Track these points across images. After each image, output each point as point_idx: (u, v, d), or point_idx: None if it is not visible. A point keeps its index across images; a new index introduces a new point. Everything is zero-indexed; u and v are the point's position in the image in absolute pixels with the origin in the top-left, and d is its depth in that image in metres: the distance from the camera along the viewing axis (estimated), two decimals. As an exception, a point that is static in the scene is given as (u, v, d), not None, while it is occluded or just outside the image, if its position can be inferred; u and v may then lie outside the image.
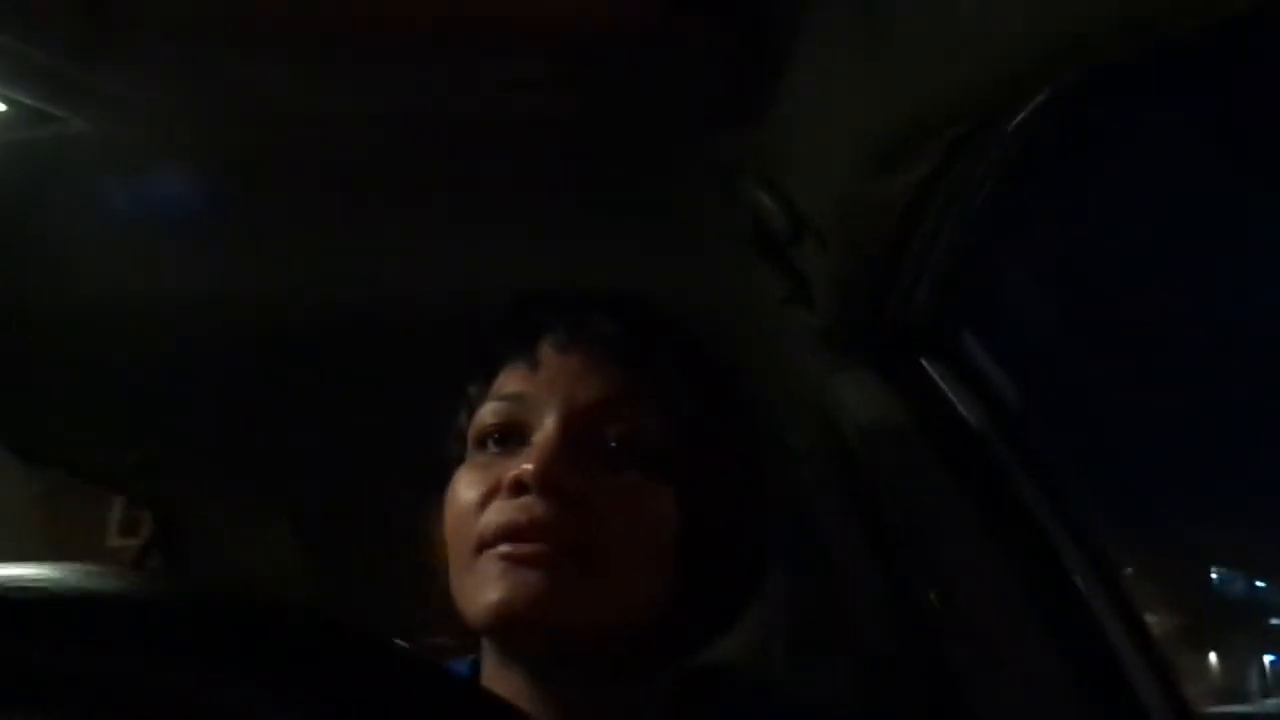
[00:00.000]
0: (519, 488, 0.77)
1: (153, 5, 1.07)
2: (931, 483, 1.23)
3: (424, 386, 0.93)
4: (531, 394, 0.82)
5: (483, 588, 0.76)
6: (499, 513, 0.78)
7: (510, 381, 0.84)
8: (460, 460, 0.85)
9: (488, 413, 0.84)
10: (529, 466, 0.77)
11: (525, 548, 0.76)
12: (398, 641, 0.46)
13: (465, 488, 0.82)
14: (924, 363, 1.28)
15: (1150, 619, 1.16)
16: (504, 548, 0.76)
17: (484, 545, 0.77)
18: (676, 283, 1.23)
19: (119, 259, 1.40)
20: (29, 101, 1.16)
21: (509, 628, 0.76)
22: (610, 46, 1.11)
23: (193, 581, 0.45)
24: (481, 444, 0.84)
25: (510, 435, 0.82)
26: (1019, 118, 1.08)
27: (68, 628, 0.42)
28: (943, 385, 1.26)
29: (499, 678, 0.81)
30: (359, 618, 0.46)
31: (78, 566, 0.44)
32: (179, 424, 1.73)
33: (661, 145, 1.24)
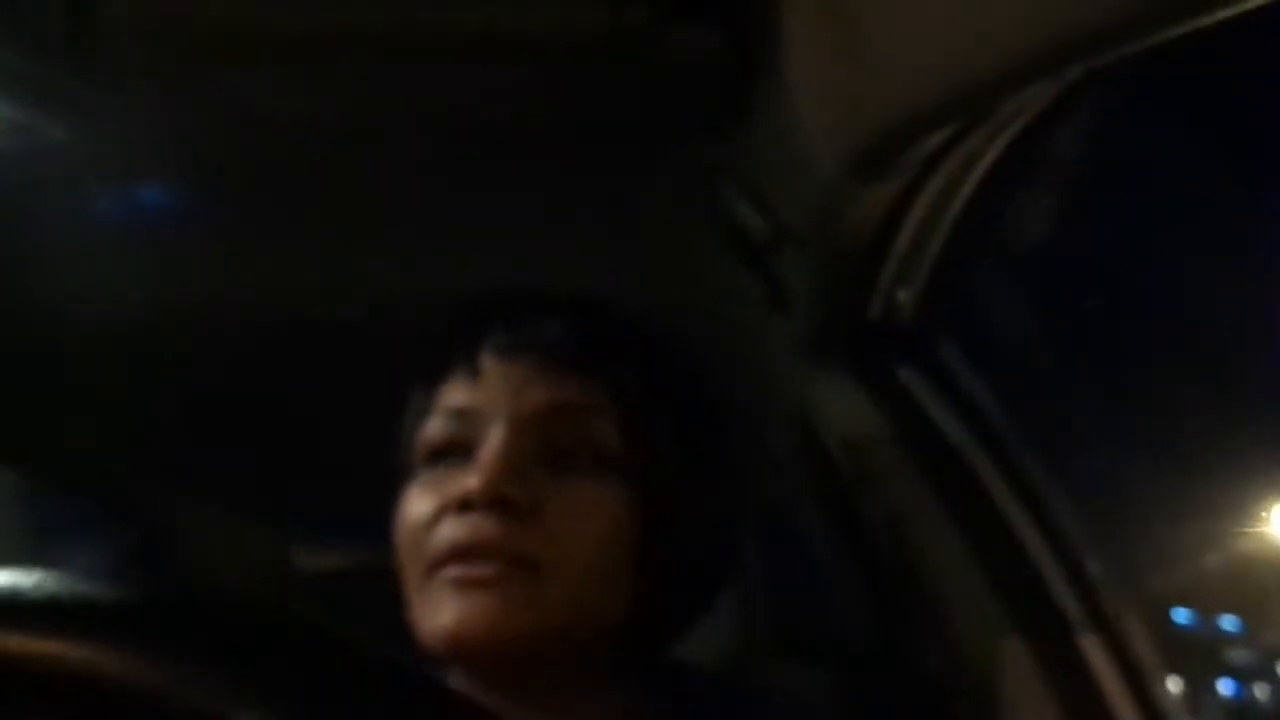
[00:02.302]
0: (465, 504, 0.76)
1: (139, 15, 1.07)
2: (910, 489, 1.23)
3: (408, 392, 0.93)
4: (474, 407, 0.80)
5: (435, 612, 0.75)
6: (448, 531, 0.76)
7: (452, 394, 0.82)
8: (408, 473, 0.84)
9: (431, 429, 0.82)
10: (473, 482, 0.76)
11: (475, 569, 0.75)
12: (377, 646, 0.47)
13: (414, 505, 0.80)
14: (903, 370, 1.28)
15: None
16: (453, 570, 0.75)
17: (434, 566, 0.76)
18: (655, 289, 1.24)
19: (103, 269, 1.40)
20: (14, 113, 1.16)
21: (464, 652, 0.76)
22: (589, 53, 1.11)
23: (172, 587, 0.46)
24: (429, 460, 0.82)
25: (456, 450, 0.80)
26: (998, 125, 1.09)
27: (46, 633, 0.42)
28: (921, 393, 1.26)
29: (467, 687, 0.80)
30: (340, 623, 0.46)
31: (57, 572, 0.44)
32: (160, 429, 1.72)
33: (640, 151, 1.24)
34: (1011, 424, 1.26)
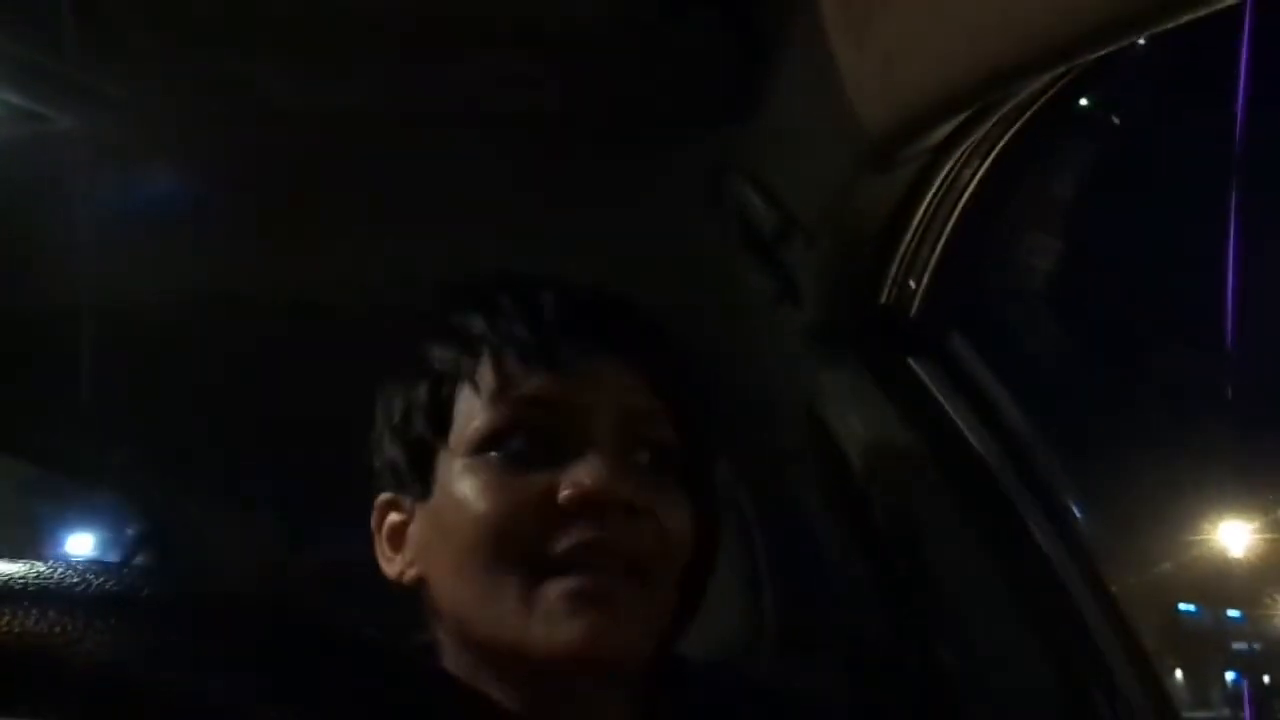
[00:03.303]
0: (584, 504, 0.72)
1: (144, 3, 1.07)
2: (920, 483, 1.23)
3: (432, 362, 0.92)
4: (563, 400, 0.75)
5: (549, 623, 0.71)
6: (566, 532, 0.72)
7: (524, 379, 0.76)
8: (428, 447, 0.78)
9: (503, 416, 0.75)
10: (591, 482, 0.72)
11: (594, 581, 0.72)
12: (378, 637, 0.46)
13: (484, 497, 0.74)
14: (913, 363, 1.28)
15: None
16: (572, 581, 0.71)
17: (543, 570, 0.72)
18: (665, 282, 1.23)
19: (107, 257, 1.40)
20: (19, 101, 1.15)
21: (581, 668, 0.73)
22: (598, 45, 1.11)
23: (175, 579, 0.45)
24: (479, 447, 0.76)
25: (537, 441, 0.75)
26: (1007, 116, 1.09)
27: (52, 623, 0.42)
28: (931, 386, 1.26)
29: (472, 677, 0.77)
30: (343, 615, 0.46)
31: (59, 562, 0.44)
32: (163, 420, 1.72)
33: (649, 144, 1.24)
34: (1022, 413, 1.25)
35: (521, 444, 0.75)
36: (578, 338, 0.78)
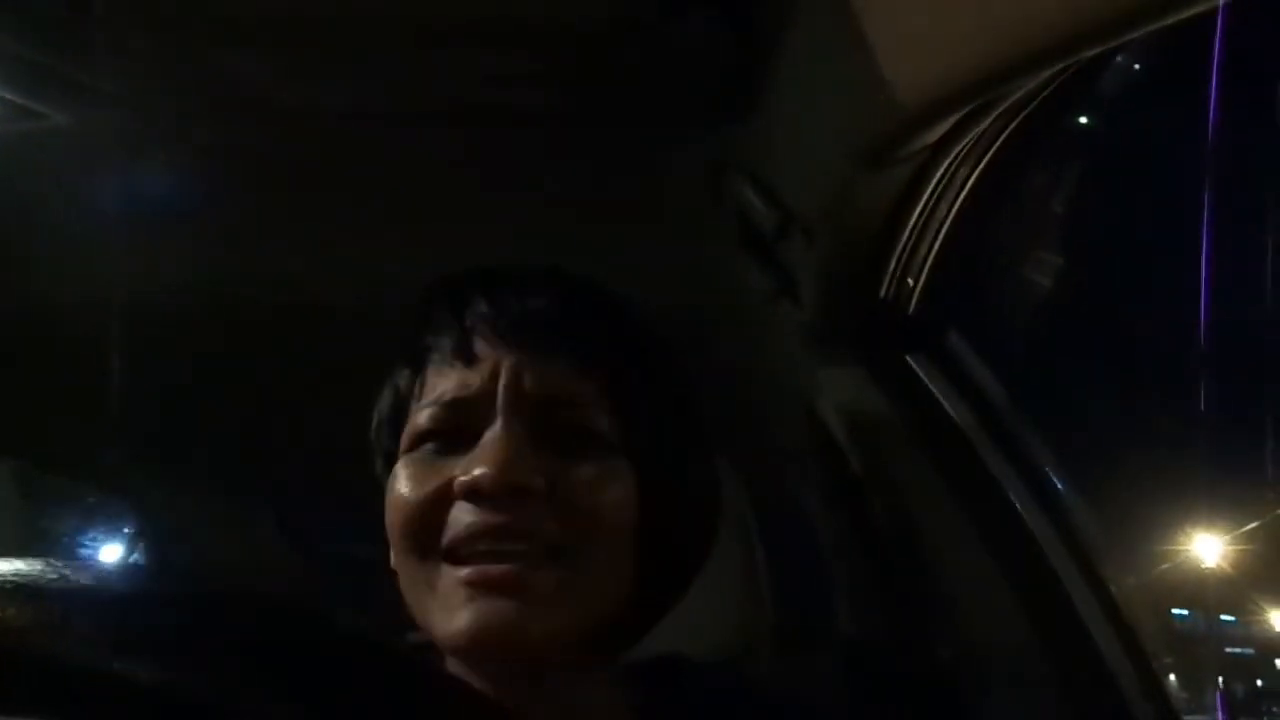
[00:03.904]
0: (474, 493, 0.74)
1: (140, 2, 1.06)
2: (917, 478, 1.23)
3: (390, 374, 0.92)
4: (469, 393, 0.77)
5: (450, 612, 0.73)
6: (461, 518, 0.74)
7: (444, 381, 0.79)
8: (389, 455, 0.81)
9: (422, 415, 0.79)
10: (484, 470, 0.73)
11: (493, 570, 0.72)
12: (376, 635, 0.46)
13: (407, 488, 0.77)
14: (910, 359, 1.28)
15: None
16: (468, 571, 0.73)
17: (444, 558, 0.74)
18: (663, 278, 1.23)
19: (104, 255, 1.39)
20: (13, 97, 1.15)
21: (482, 652, 0.74)
22: (597, 43, 1.11)
23: (173, 577, 0.45)
24: (414, 445, 0.79)
25: (448, 436, 0.78)
26: (1004, 115, 1.09)
27: (49, 623, 0.42)
28: (929, 382, 1.26)
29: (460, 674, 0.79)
30: (343, 614, 0.46)
31: (55, 561, 0.44)
32: (159, 417, 1.72)
33: (648, 141, 1.24)
34: (1019, 412, 1.25)
35: (438, 441, 0.78)
36: (492, 329, 0.80)
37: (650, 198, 1.30)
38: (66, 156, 1.25)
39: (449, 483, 0.75)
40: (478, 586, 0.73)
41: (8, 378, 1.55)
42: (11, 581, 0.43)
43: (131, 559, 2.16)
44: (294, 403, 1.67)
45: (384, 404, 0.84)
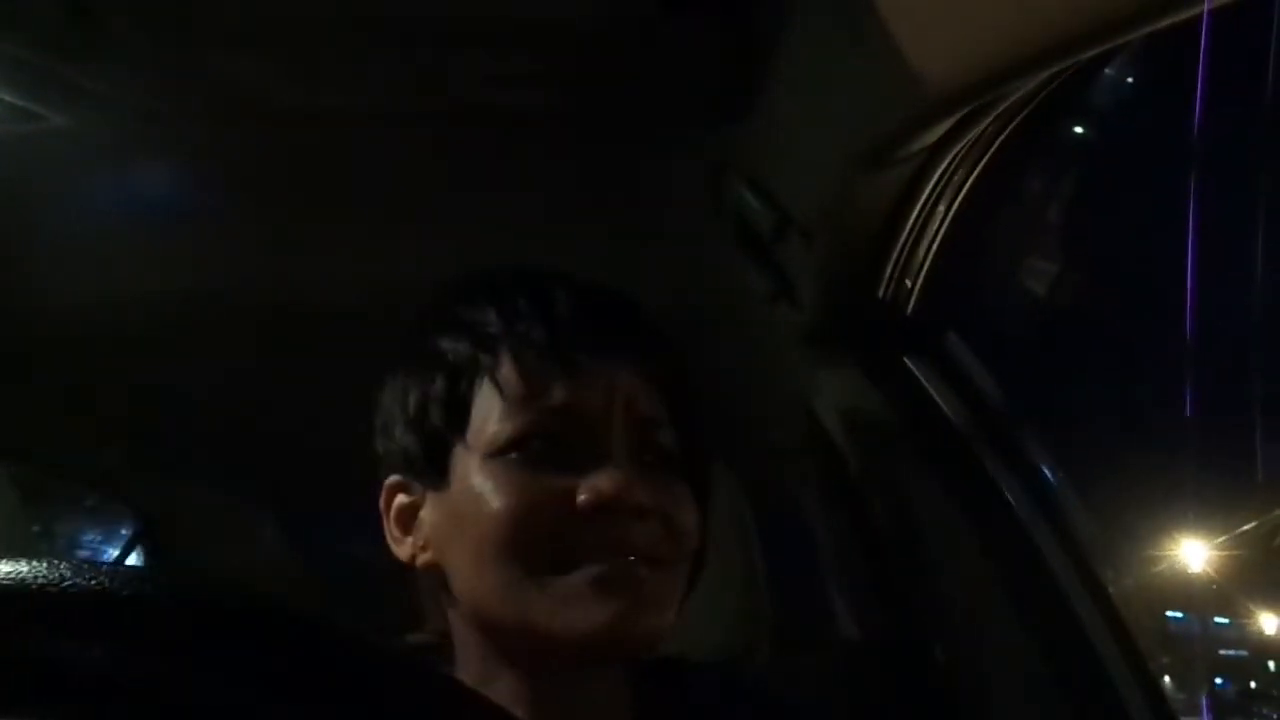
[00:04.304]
0: (605, 509, 0.75)
1: (137, 3, 1.06)
2: (915, 479, 1.23)
3: (445, 358, 0.91)
4: (584, 406, 0.78)
5: (575, 608, 0.74)
6: (584, 532, 0.75)
7: (545, 383, 0.78)
8: (444, 440, 0.80)
9: (529, 421, 0.77)
10: (615, 486, 0.75)
11: (618, 572, 0.74)
12: (380, 639, 0.46)
13: (505, 495, 0.76)
14: (908, 360, 1.28)
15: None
16: (596, 569, 0.74)
17: (554, 565, 0.75)
18: (661, 280, 1.23)
19: (101, 256, 1.39)
20: (12, 99, 1.15)
21: (606, 651, 0.75)
22: (596, 44, 1.11)
23: (174, 579, 0.45)
24: (501, 449, 0.77)
25: (558, 443, 0.77)
26: (1003, 116, 1.09)
27: (50, 623, 0.42)
28: (926, 383, 1.26)
29: (481, 676, 0.79)
30: (342, 615, 0.46)
31: (58, 562, 0.44)
32: (161, 420, 1.72)
33: (647, 142, 1.24)
34: (1017, 414, 1.26)
35: (541, 447, 0.77)
36: (593, 341, 0.80)
37: (649, 198, 1.31)
38: (65, 158, 1.25)
39: (565, 495, 0.76)
40: (605, 584, 0.74)
41: (7, 379, 1.55)
42: (12, 582, 0.43)
43: (131, 562, 2.16)
44: (294, 405, 1.67)
45: (433, 381, 0.81)
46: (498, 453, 0.77)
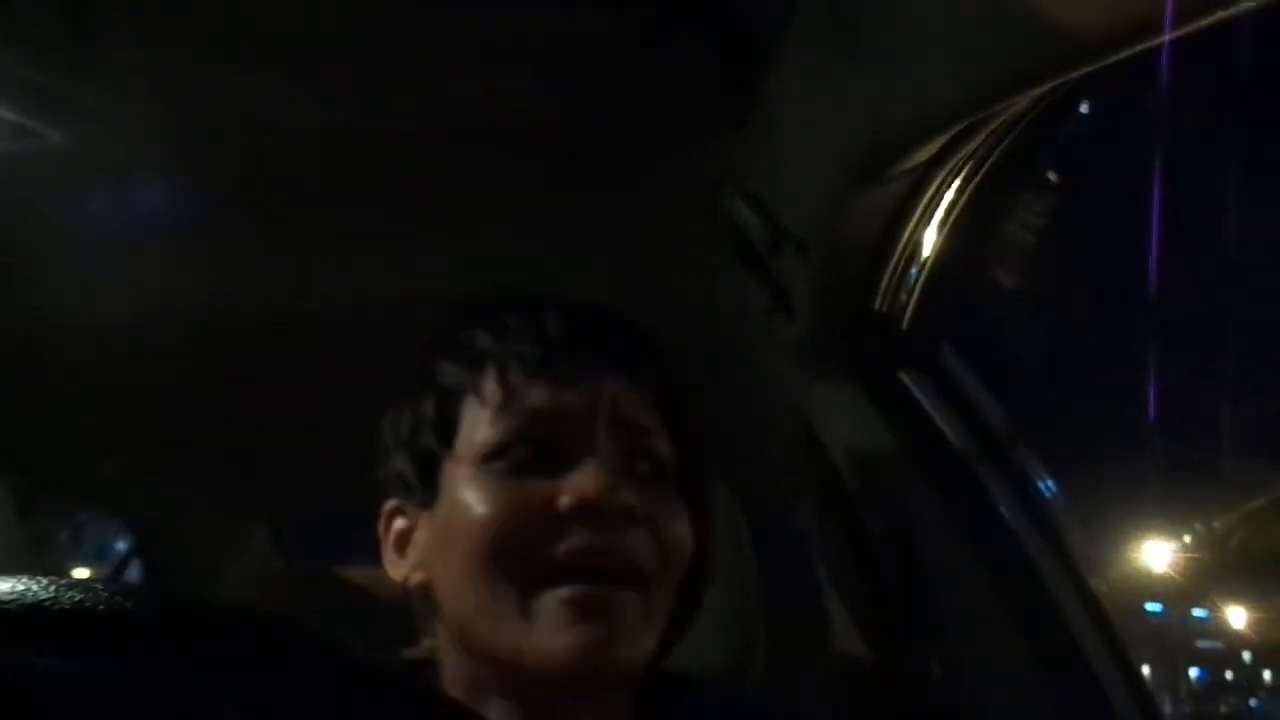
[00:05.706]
0: (586, 512, 0.73)
1: (135, 20, 1.07)
2: (911, 494, 1.23)
3: (436, 374, 0.91)
4: (568, 412, 0.77)
5: (548, 633, 0.72)
6: (566, 537, 0.73)
7: (530, 393, 0.77)
8: (435, 457, 0.79)
9: (503, 426, 0.77)
10: (595, 488, 0.73)
11: (593, 593, 0.72)
12: (369, 653, 0.47)
13: (487, 503, 0.75)
14: (904, 375, 1.28)
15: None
16: (568, 590, 0.72)
17: (536, 577, 0.73)
18: (658, 293, 1.24)
19: (100, 271, 1.40)
20: (9, 115, 1.15)
21: (578, 680, 0.73)
22: (593, 59, 1.11)
23: (162, 594, 0.45)
24: (487, 458, 0.77)
25: (540, 450, 0.76)
26: (997, 132, 1.10)
27: (46, 639, 0.42)
28: (921, 396, 1.26)
29: (470, 695, 0.78)
30: (335, 630, 0.46)
31: (56, 579, 0.44)
32: (156, 434, 1.72)
33: (643, 156, 1.24)
34: (1012, 427, 1.26)
35: (524, 453, 0.77)
36: (580, 353, 0.79)
37: (644, 212, 1.31)
38: (63, 174, 1.26)
39: (547, 500, 0.74)
40: (578, 609, 0.72)
41: (5, 393, 1.55)
42: (10, 598, 0.43)
43: (127, 574, 2.16)
44: (291, 418, 1.67)
45: (424, 404, 0.81)
46: (484, 460, 0.77)
